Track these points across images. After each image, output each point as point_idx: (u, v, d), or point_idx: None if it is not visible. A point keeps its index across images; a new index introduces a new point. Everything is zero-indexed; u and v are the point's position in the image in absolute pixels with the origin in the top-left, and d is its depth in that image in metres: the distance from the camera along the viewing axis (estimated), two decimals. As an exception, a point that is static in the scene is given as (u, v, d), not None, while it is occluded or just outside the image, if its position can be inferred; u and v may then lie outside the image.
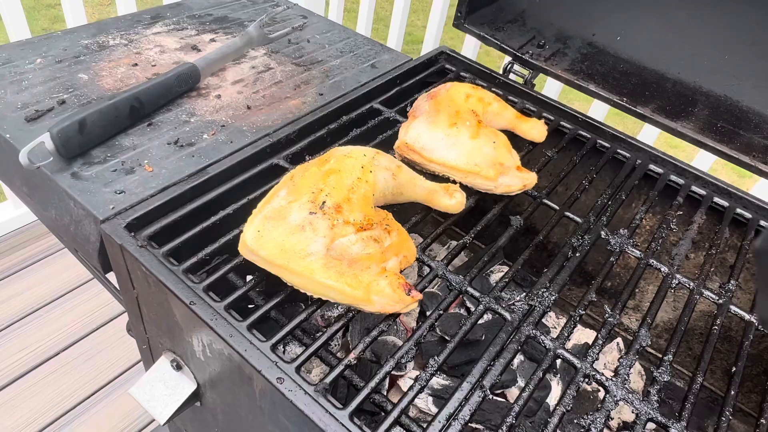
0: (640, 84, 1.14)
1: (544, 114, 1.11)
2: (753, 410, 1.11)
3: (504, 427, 0.62)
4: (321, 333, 0.66)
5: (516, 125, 1.01)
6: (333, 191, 0.70)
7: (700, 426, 1.09)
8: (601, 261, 1.21)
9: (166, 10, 1.25)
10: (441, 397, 0.95)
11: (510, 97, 1.14)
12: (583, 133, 1.08)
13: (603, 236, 0.88)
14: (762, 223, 0.97)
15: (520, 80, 1.22)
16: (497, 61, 4.11)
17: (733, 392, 0.71)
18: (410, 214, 0.85)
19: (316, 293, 0.66)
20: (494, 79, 1.18)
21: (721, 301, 0.83)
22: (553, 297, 0.76)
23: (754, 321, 0.81)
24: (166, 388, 0.80)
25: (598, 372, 0.69)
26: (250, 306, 0.72)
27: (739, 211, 0.98)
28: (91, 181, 0.80)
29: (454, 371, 1.00)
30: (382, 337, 1.03)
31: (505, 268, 1.28)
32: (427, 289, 1.09)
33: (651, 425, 0.99)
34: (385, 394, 0.84)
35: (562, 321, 1.22)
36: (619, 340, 1.17)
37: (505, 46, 1.22)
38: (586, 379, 0.69)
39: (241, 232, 0.70)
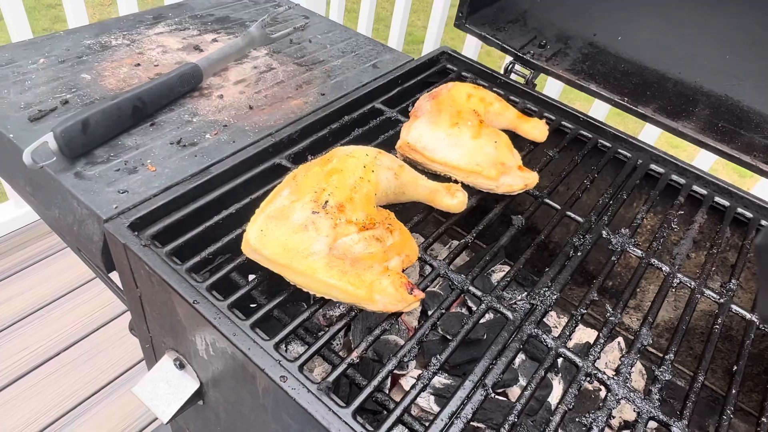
0: (641, 84, 1.14)
1: (546, 114, 1.12)
2: (754, 409, 1.11)
3: (506, 426, 0.62)
4: (323, 332, 0.67)
5: (517, 125, 1.02)
6: (335, 191, 0.70)
7: (701, 425, 1.09)
8: (602, 260, 1.21)
9: (168, 11, 1.26)
10: (443, 396, 0.96)
11: (511, 97, 1.15)
12: (585, 133, 1.08)
13: (604, 236, 0.88)
14: (763, 222, 0.97)
15: (522, 80, 1.23)
16: (498, 61, 4.11)
17: (734, 391, 0.71)
18: (412, 214, 0.85)
19: (318, 292, 0.67)
20: (495, 79, 1.18)
21: (722, 300, 0.83)
22: (555, 296, 0.76)
23: (755, 320, 0.81)
24: (169, 386, 0.80)
25: (600, 371, 0.69)
26: (252, 305, 0.72)
27: (740, 210, 0.98)
28: (95, 181, 0.81)
29: (456, 370, 1.01)
30: (384, 336, 1.03)
31: (507, 268, 1.28)
32: (428, 289, 1.09)
33: (652, 424, 1.00)
34: (387, 392, 0.85)
35: (564, 320, 1.23)
36: (620, 339, 1.17)
37: (507, 46, 1.22)
38: (588, 378, 0.69)
39: (244, 231, 0.71)
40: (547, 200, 0.92)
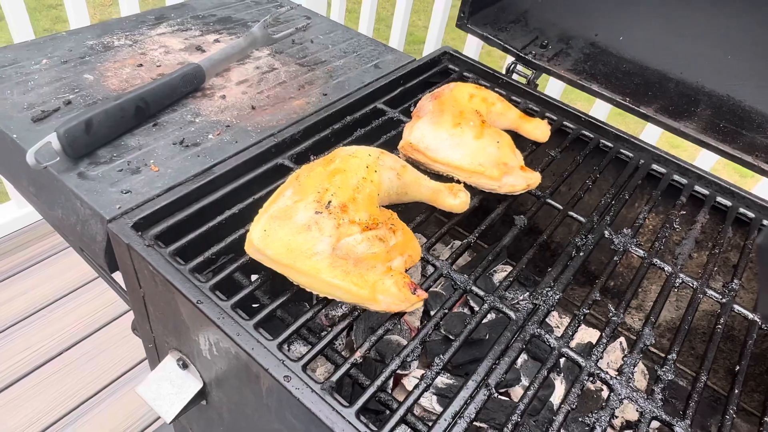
0: (643, 84, 1.15)
1: (547, 114, 1.12)
2: (756, 409, 1.11)
3: (509, 426, 0.62)
4: (326, 332, 0.67)
5: (519, 125, 1.02)
6: (338, 191, 0.70)
7: (704, 425, 1.09)
8: (604, 260, 1.21)
9: (170, 11, 1.26)
10: (445, 396, 0.96)
11: (513, 97, 1.15)
12: (586, 133, 1.08)
13: (606, 236, 0.88)
14: (765, 222, 0.97)
15: (523, 80, 1.23)
16: (498, 61, 4.11)
17: (736, 391, 0.71)
18: (414, 214, 0.85)
19: (322, 292, 0.67)
20: (497, 79, 1.18)
21: (724, 300, 0.83)
22: (557, 296, 0.76)
23: (758, 320, 0.81)
24: (172, 386, 0.80)
25: (603, 371, 0.69)
26: (255, 305, 0.72)
27: (742, 210, 0.98)
28: (98, 181, 0.81)
29: (459, 370, 1.01)
30: (387, 336, 1.03)
31: (509, 268, 1.28)
32: (431, 289, 1.09)
33: (655, 424, 1.00)
34: (390, 392, 0.85)
35: (566, 320, 1.23)
36: (622, 339, 1.17)
37: (508, 47, 1.22)
38: (591, 378, 0.69)
39: (247, 231, 0.71)
40: (550, 200, 0.92)
